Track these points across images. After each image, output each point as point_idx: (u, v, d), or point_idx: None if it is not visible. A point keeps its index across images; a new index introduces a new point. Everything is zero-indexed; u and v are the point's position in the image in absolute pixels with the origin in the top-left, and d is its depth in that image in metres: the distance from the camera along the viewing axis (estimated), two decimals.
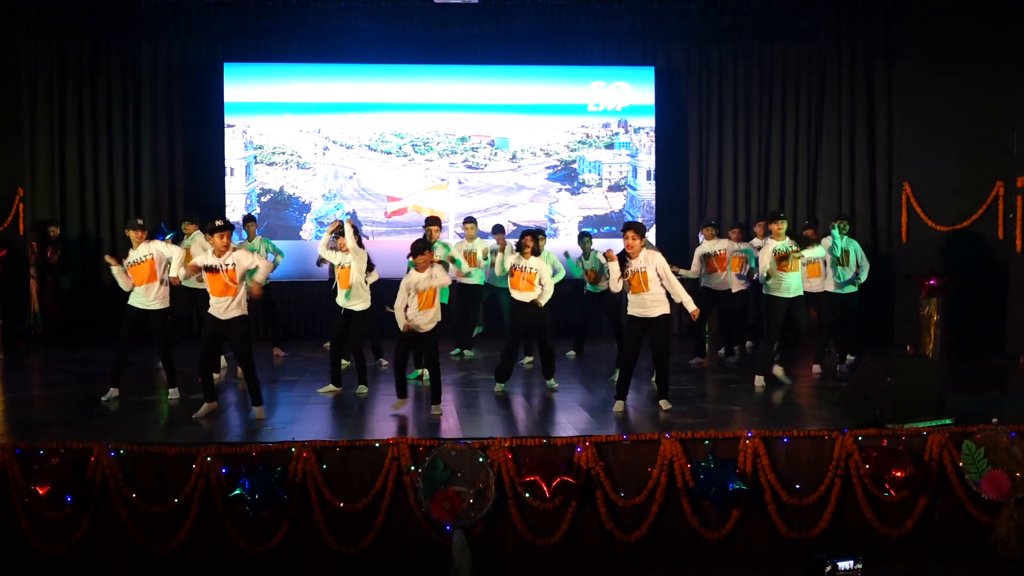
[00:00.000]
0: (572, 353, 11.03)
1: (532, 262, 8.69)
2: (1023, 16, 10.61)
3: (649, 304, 7.74)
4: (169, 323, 8.69)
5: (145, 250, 8.28)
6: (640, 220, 13.19)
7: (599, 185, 13.60)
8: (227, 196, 13.07)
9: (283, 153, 13.29)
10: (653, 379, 8.38)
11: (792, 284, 8.85)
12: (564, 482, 6.41)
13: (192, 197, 12.93)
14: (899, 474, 6.61)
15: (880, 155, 12.86)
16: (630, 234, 7.75)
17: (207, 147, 13.19)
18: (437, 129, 13.43)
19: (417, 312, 7.71)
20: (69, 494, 6.24)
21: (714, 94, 13.72)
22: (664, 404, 7.85)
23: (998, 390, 8.83)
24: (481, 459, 6.40)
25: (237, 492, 6.25)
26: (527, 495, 6.43)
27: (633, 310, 7.84)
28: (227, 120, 13.14)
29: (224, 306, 7.48)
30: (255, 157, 13.19)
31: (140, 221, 8.54)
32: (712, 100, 13.72)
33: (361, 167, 13.37)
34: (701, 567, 6.66)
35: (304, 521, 6.40)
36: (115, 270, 8.32)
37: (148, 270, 8.26)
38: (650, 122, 13.55)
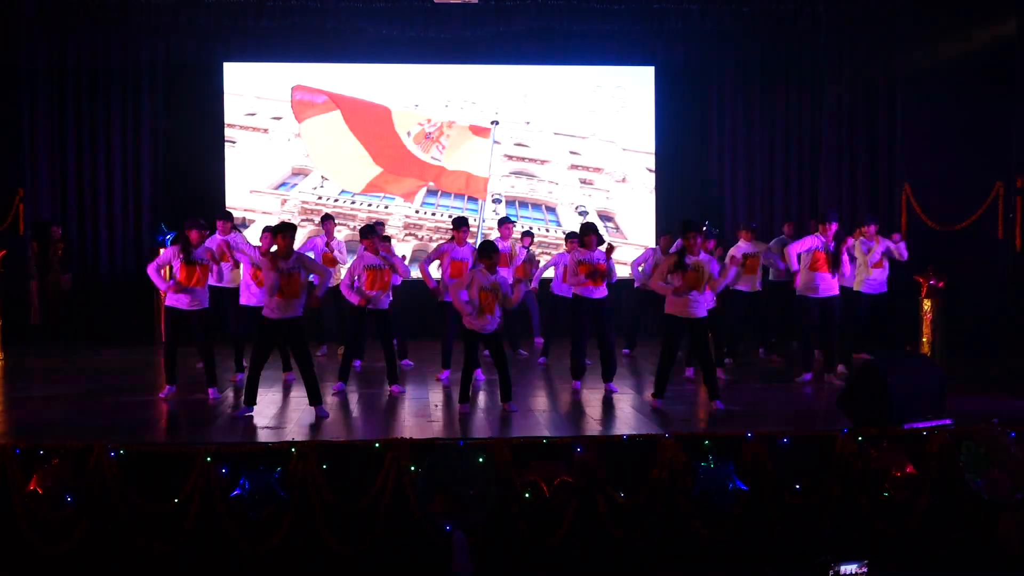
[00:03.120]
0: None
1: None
2: (1023, 14, 10.60)
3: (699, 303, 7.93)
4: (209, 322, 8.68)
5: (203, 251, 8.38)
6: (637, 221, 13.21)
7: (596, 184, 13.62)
8: (228, 196, 13.07)
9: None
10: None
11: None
12: (564, 482, 6.41)
13: (193, 197, 12.91)
14: (899, 474, 6.60)
15: (880, 155, 12.84)
16: (691, 234, 7.90)
17: (207, 147, 13.18)
18: None
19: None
20: (69, 494, 6.22)
21: (714, 94, 13.70)
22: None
23: (998, 390, 8.82)
24: (481, 459, 6.39)
25: (237, 492, 6.25)
26: (527, 495, 6.43)
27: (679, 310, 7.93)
28: (227, 120, 13.14)
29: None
30: None
31: (203, 221, 8.56)
32: (712, 100, 13.71)
33: None
34: (701, 567, 6.65)
35: (304, 521, 6.40)
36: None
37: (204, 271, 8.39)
38: (650, 121, 13.55)
